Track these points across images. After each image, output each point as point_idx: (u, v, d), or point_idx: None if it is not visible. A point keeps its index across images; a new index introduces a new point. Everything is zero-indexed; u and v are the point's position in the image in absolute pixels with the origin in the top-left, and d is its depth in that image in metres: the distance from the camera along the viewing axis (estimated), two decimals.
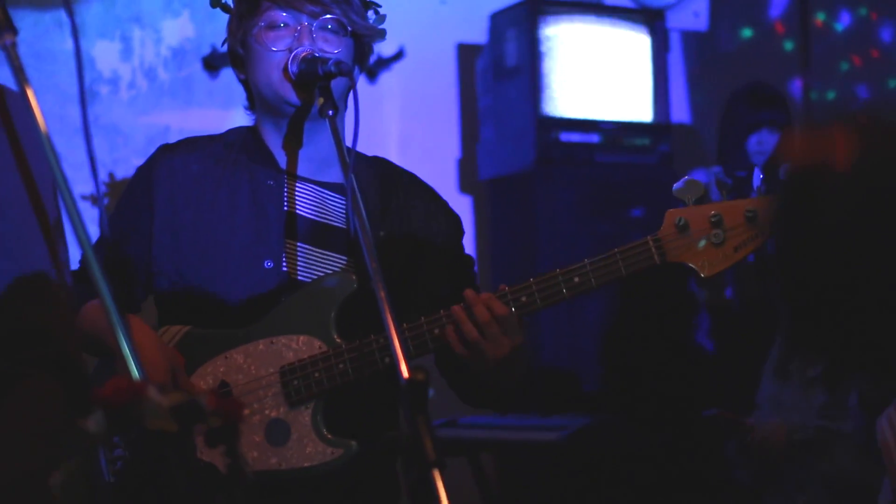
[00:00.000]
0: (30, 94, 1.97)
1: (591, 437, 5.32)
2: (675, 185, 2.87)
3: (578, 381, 6.22)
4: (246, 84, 3.14)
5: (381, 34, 3.15)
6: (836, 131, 1.58)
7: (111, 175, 6.06)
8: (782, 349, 4.70)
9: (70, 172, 1.98)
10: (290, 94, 2.97)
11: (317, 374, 2.91)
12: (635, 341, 6.07)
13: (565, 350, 6.29)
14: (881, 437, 3.70)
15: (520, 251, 6.53)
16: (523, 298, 2.87)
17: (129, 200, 3.14)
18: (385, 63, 6.74)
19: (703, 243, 2.84)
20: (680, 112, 7.62)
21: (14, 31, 1.97)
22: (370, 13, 3.14)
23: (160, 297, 3.09)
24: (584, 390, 6.17)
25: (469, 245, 6.88)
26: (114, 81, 6.20)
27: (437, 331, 2.88)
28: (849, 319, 1.52)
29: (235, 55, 3.12)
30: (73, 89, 5.85)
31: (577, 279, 2.87)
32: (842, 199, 1.50)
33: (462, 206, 6.98)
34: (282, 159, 3.07)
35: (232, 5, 3.14)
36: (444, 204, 3.21)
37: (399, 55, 6.78)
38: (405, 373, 2.28)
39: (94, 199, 5.86)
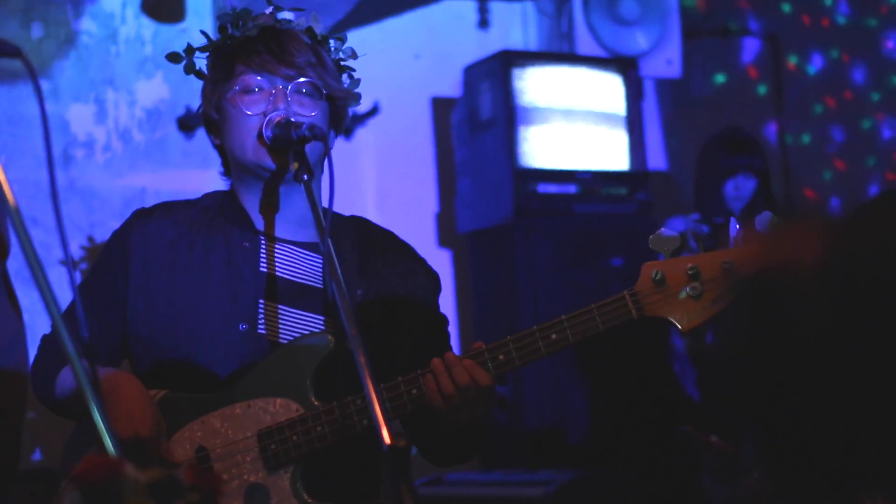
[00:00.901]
0: None
1: (577, 492, 5.29)
2: (650, 237, 2.84)
3: (564, 434, 6.19)
4: (220, 149, 3.14)
5: (356, 98, 3.15)
6: (801, 228, 1.49)
7: (90, 238, 6.03)
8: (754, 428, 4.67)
9: (47, 237, 1.97)
10: (265, 159, 2.96)
11: (295, 438, 2.88)
12: (620, 394, 6.06)
13: (549, 404, 6.26)
14: None
15: (501, 304, 6.52)
16: (501, 357, 2.85)
17: (104, 265, 3.12)
18: (360, 119, 6.75)
19: (682, 296, 2.82)
20: (656, 159, 7.64)
21: None
22: (345, 76, 3.14)
23: (135, 361, 3.07)
24: (569, 444, 6.15)
25: (449, 298, 6.90)
26: (89, 144, 6.19)
27: (414, 391, 2.86)
28: (834, 434, 1.40)
29: (210, 120, 3.11)
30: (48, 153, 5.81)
31: (554, 336, 2.84)
32: (812, 301, 1.39)
33: (441, 260, 6.98)
34: (259, 221, 3.06)
35: (206, 71, 3.13)
36: (423, 261, 3.20)
37: (374, 111, 6.80)
38: (387, 439, 2.26)
39: (75, 263, 5.83)
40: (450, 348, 3.16)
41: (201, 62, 3.15)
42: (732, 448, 4.74)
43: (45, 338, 3.12)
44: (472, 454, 3.12)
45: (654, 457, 5.76)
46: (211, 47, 3.12)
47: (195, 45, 3.15)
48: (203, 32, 3.16)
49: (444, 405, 2.83)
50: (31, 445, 5.81)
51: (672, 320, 2.82)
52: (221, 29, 3.10)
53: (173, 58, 3.14)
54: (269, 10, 3.11)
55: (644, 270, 2.83)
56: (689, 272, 2.80)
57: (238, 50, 3.05)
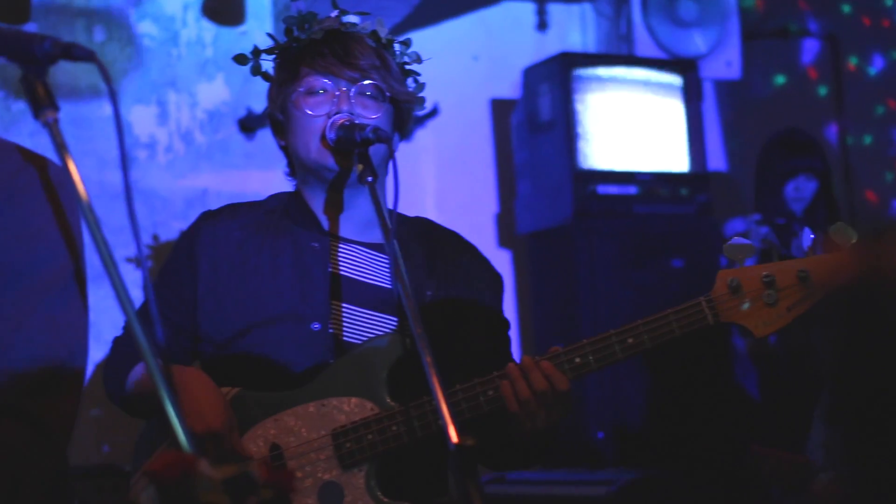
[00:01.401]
0: (72, 167, 1.98)
1: (639, 492, 5.27)
2: (725, 245, 2.86)
3: (626, 434, 6.18)
4: (286, 150, 3.15)
5: (420, 101, 3.16)
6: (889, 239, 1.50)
7: (155, 237, 6.09)
8: (832, 394, 4.65)
9: (112, 237, 1.98)
10: (329, 161, 2.98)
11: (370, 437, 2.90)
12: (681, 394, 6.03)
13: (611, 403, 6.25)
14: None
15: (560, 305, 6.51)
16: (577, 360, 2.88)
17: (172, 267, 3.15)
18: (420, 120, 6.77)
19: (753, 304, 2.85)
20: (716, 160, 7.61)
21: (55, 108, 1.99)
22: (409, 80, 3.15)
23: (206, 362, 3.09)
24: (631, 444, 6.13)
25: (509, 299, 6.90)
26: (151, 146, 6.24)
27: (490, 392, 2.87)
28: None
29: (275, 121, 3.14)
30: (111, 155, 5.92)
31: (630, 340, 2.87)
32: None
33: (501, 260, 6.98)
34: (325, 222, 3.08)
35: (272, 73, 3.15)
36: (488, 262, 3.22)
37: (433, 112, 6.81)
38: (454, 437, 2.26)
39: (139, 262, 5.89)
40: (510, 352, 3.17)
41: (267, 65, 3.17)
42: (802, 458, 4.71)
43: (117, 339, 3.16)
44: (536, 461, 3.12)
45: (714, 458, 5.74)
46: (277, 49, 3.14)
47: (255, 45, 3.17)
48: (269, 35, 3.19)
49: (521, 411, 2.85)
50: (97, 442, 5.87)
51: (747, 327, 2.86)
52: (287, 31, 3.13)
53: (240, 59, 3.17)
54: (334, 13, 3.13)
55: (720, 277, 2.87)
56: (765, 280, 2.84)
57: (303, 52, 3.07)
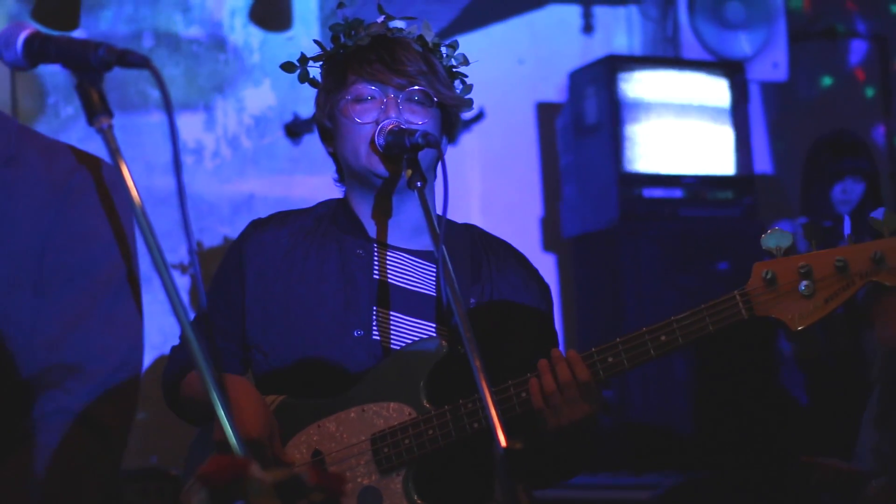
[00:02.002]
0: (125, 172, 2.00)
1: (685, 496, 5.26)
2: (762, 236, 2.81)
3: (670, 437, 6.17)
4: (334, 157, 3.16)
5: (468, 104, 3.15)
6: None
7: (199, 243, 6.12)
8: (883, 398, 4.62)
9: (160, 242, 2.00)
10: (378, 167, 2.98)
11: (407, 441, 2.91)
12: (726, 397, 6.02)
13: (655, 405, 6.24)
14: None
15: (605, 308, 6.51)
16: (610, 359, 2.85)
17: (223, 276, 3.17)
18: (466, 124, 6.78)
19: (789, 296, 2.78)
20: (762, 163, 7.58)
21: (110, 115, 2.01)
22: (457, 83, 3.15)
23: (254, 368, 3.11)
24: (675, 447, 6.12)
25: (554, 303, 6.88)
26: (198, 151, 6.29)
27: (524, 394, 2.87)
28: None
29: (323, 128, 3.14)
30: (159, 160, 5.95)
31: (663, 338, 2.83)
32: None
33: (546, 263, 6.99)
34: (371, 229, 3.09)
35: (319, 80, 3.16)
36: (536, 272, 3.20)
37: (479, 116, 6.82)
38: (503, 442, 2.27)
39: (184, 268, 5.93)
40: None
41: (314, 71, 3.18)
42: (851, 467, 4.68)
43: (174, 348, 3.20)
44: (571, 470, 3.09)
45: (759, 463, 5.72)
46: (324, 56, 3.15)
47: (301, 53, 3.18)
48: (316, 42, 3.20)
49: (545, 406, 2.84)
50: (143, 446, 5.91)
51: (783, 320, 2.77)
52: (334, 38, 3.13)
53: (287, 67, 3.18)
54: (380, 19, 3.13)
55: (755, 270, 2.78)
56: (801, 270, 2.75)
57: (350, 59, 3.07)
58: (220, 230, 6.22)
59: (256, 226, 3.17)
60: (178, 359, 3.14)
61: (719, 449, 6.01)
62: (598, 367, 2.85)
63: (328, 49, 3.14)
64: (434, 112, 3.04)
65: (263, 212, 3.25)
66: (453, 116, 3.13)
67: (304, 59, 3.17)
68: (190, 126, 6.28)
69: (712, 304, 2.81)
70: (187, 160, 6.23)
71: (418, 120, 2.99)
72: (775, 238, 2.80)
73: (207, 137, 6.32)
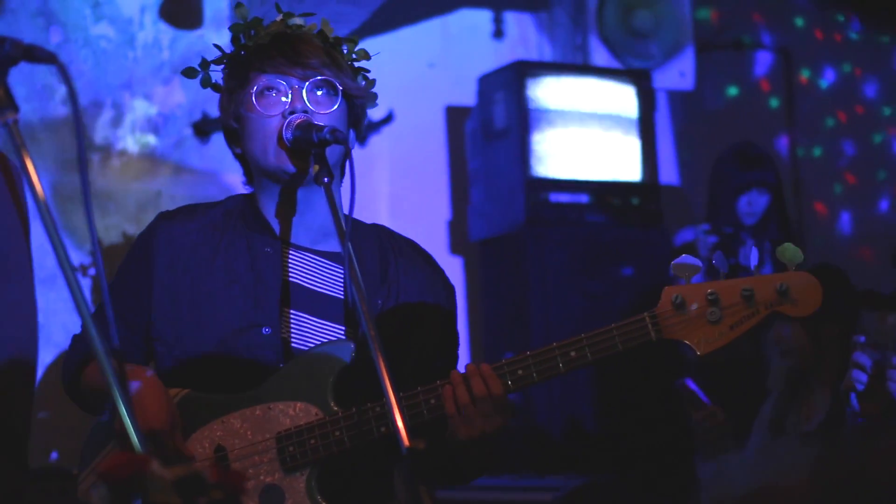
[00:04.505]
0: (30, 168, 1.99)
1: (586, 498, 5.31)
2: (672, 264, 2.88)
3: (573, 439, 6.22)
4: (242, 158, 3.15)
5: (373, 98, 3.17)
6: None
7: (100, 241, 6.07)
8: (778, 404, 4.71)
9: (63, 238, 1.99)
10: (286, 163, 2.97)
11: (312, 441, 2.91)
12: (629, 400, 6.08)
13: (559, 409, 6.29)
14: None
15: (511, 311, 6.55)
16: (519, 371, 2.89)
17: (128, 267, 3.15)
18: (375, 126, 6.79)
19: (696, 321, 2.86)
20: (668, 170, 7.67)
21: (16, 109, 2.00)
22: (359, 79, 3.16)
23: (158, 361, 3.10)
24: (578, 449, 6.17)
25: (460, 305, 6.91)
26: (106, 148, 6.23)
27: (433, 401, 2.89)
28: None
29: (229, 130, 3.13)
30: (65, 156, 5.87)
31: (573, 353, 2.89)
32: None
33: (453, 267, 7.01)
34: (278, 227, 3.08)
35: (222, 83, 3.16)
36: (442, 272, 3.22)
37: (388, 118, 6.83)
38: (406, 441, 2.29)
39: (84, 269, 5.88)
40: (456, 367, 3.18)
41: (218, 75, 3.18)
42: (723, 413, 4.78)
43: (75, 337, 3.17)
44: (477, 474, 3.12)
45: (659, 463, 5.79)
46: (225, 59, 3.15)
47: (213, 49, 3.17)
48: (216, 46, 3.19)
49: (458, 414, 2.86)
50: (45, 445, 5.85)
51: (689, 344, 2.87)
52: (234, 39, 3.13)
53: (189, 73, 3.17)
54: (279, 17, 3.13)
55: (664, 294, 2.88)
56: (709, 297, 2.86)
57: (252, 58, 3.07)
58: (126, 228, 6.17)
59: (164, 218, 3.15)
60: (79, 347, 3.11)
61: (622, 451, 6.07)
62: (508, 378, 2.88)
63: (229, 52, 3.14)
64: (340, 104, 3.04)
65: (172, 209, 3.23)
66: (359, 110, 3.14)
67: (205, 64, 3.16)
68: (98, 123, 6.23)
69: (622, 324, 2.88)
70: (95, 157, 6.17)
71: (324, 110, 2.99)
72: (685, 266, 2.87)
73: (115, 134, 6.27)
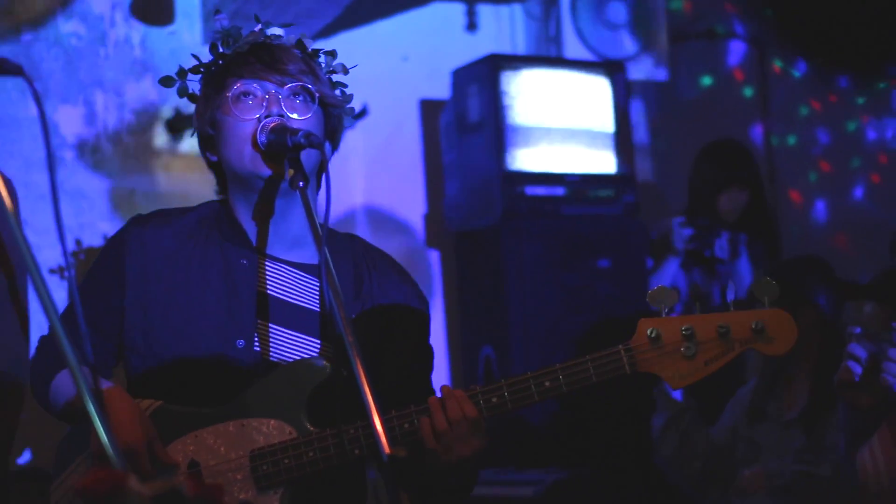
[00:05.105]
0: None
1: (567, 491, 5.31)
2: (649, 292, 2.89)
3: (553, 433, 6.22)
4: (216, 167, 3.13)
5: (350, 111, 3.17)
6: None
7: (78, 242, 6.04)
8: (758, 391, 4.72)
9: (35, 238, 1.98)
10: (260, 166, 2.95)
11: (286, 461, 2.89)
12: (604, 392, 6.08)
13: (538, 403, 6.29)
14: (861, 466, 3.75)
15: (488, 305, 6.54)
16: (494, 399, 2.89)
17: (99, 272, 3.11)
18: (349, 120, 6.76)
19: (671, 356, 2.87)
20: (643, 162, 7.67)
21: None
22: (336, 92, 3.15)
23: (130, 370, 3.07)
24: (558, 443, 6.17)
25: (437, 299, 6.91)
26: (78, 146, 6.20)
27: (406, 425, 2.88)
28: None
29: (205, 138, 3.11)
30: (37, 155, 5.85)
31: (547, 383, 2.89)
32: None
33: (429, 260, 7.01)
34: (254, 237, 3.06)
35: (198, 94, 3.14)
36: (416, 286, 3.22)
37: (363, 112, 6.81)
38: (386, 448, 2.27)
39: (62, 271, 5.84)
40: (430, 380, 3.18)
41: (195, 85, 3.16)
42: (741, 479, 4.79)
43: (42, 339, 3.11)
44: (458, 498, 3.11)
45: (632, 453, 5.80)
46: (202, 68, 3.13)
47: (184, 46, 3.16)
48: (194, 55, 3.17)
49: (437, 444, 2.86)
50: (20, 446, 5.82)
51: (663, 377, 2.89)
52: (212, 48, 3.11)
53: (166, 82, 3.15)
54: (258, 27, 3.12)
55: (640, 326, 2.89)
56: (685, 332, 2.87)
57: (229, 65, 3.06)
58: (99, 226, 6.14)
59: (137, 223, 3.12)
60: (48, 352, 3.05)
61: (597, 446, 6.07)
62: (482, 405, 2.89)
63: (206, 61, 3.12)
64: (316, 110, 3.02)
65: (145, 208, 3.21)
66: (335, 120, 3.13)
67: (182, 73, 3.14)
68: (70, 121, 6.19)
69: (597, 356, 2.90)
70: (67, 156, 6.14)
71: (301, 115, 2.98)
72: (662, 294, 2.89)
73: (88, 132, 6.24)
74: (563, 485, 5.36)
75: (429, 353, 3.20)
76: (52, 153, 2.00)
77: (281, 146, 2.89)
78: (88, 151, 6.23)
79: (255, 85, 3.00)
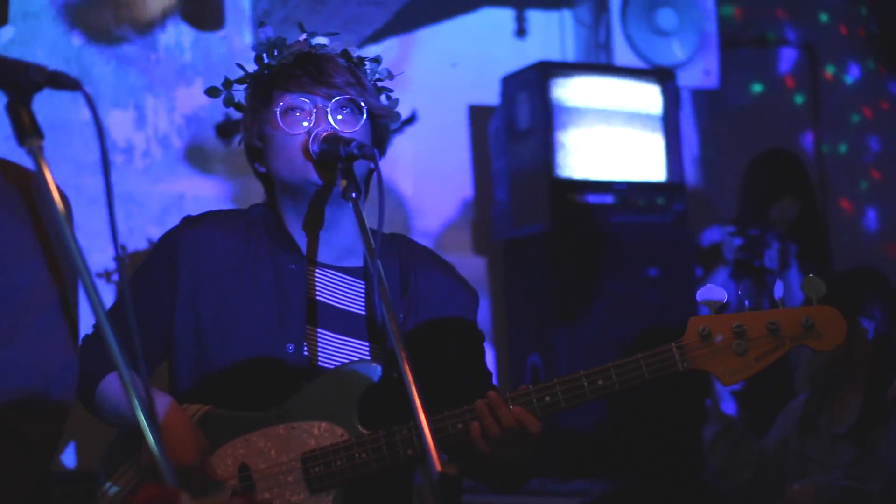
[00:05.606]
0: (53, 189, 1.97)
1: (612, 503, 5.29)
2: (698, 292, 2.90)
3: (599, 444, 6.19)
4: (264, 177, 3.13)
5: (396, 116, 3.16)
6: None
7: (122, 247, 6.07)
8: (810, 403, 4.69)
9: (86, 242, 1.98)
10: (312, 174, 2.94)
11: (339, 463, 2.89)
12: (653, 406, 6.05)
13: (585, 412, 6.26)
14: None
15: (535, 313, 6.52)
16: (547, 398, 2.88)
17: (151, 269, 3.10)
18: (397, 126, 6.75)
19: (722, 353, 2.88)
20: (693, 170, 7.63)
21: (40, 136, 1.98)
22: (382, 97, 3.15)
23: (179, 371, 3.06)
24: (604, 454, 6.14)
25: (484, 307, 6.89)
26: (128, 150, 6.24)
27: (460, 425, 2.88)
28: None
29: (252, 150, 3.11)
30: (88, 159, 5.88)
31: (601, 382, 2.88)
32: None
33: (476, 267, 6.99)
34: (303, 244, 3.06)
35: (244, 103, 3.14)
36: (463, 281, 3.21)
37: (412, 118, 6.80)
38: (437, 466, 2.27)
39: (108, 275, 5.87)
40: (484, 364, 3.18)
41: (240, 94, 3.16)
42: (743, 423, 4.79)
43: (86, 338, 3.07)
44: (513, 489, 3.12)
45: (680, 466, 5.77)
46: (248, 78, 3.13)
47: (234, 51, 3.16)
48: (239, 65, 3.18)
49: (489, 447, 2.86)
50: (65, 447, 5.85)
51: (715, 374, 2.89)
52: (257, 59, 3.11)
53: (212, 92, 3.16)
54: (302, 36, 3.12)
55: (691, 324, 2.90)
56: (735, 329, 2.87)
57: (275, 77, 3.05)
58: (149, 230, 6.17)
59: (190, 223, 3.11)
60: (93, 353, 2.96)
61: (646, 457, 6.04)
62: (535, 405, 2.88)
63: (251, 71, 3.12)
64: (364, 123, 3.02)
65: (193, 212, 3.20)
66: (383, 129, 3.12)
67: (228, 83, 3.15)
68: (120, 125, 6.22)
69: (650, 354, 2.90)
70: (117, 159, 6.17)
71: (349, 129, 2.98)
72: (712, 295, 2.88)
73: (138, 136, 6.27)
74: (609, 497, 5.33)
75: (480, 338, 3.21)
76: (107, 159, 1.99)
77: (333, 155, 2.89)
78: (138, 155, 6.26)
79: (302, 99, 3.00)
